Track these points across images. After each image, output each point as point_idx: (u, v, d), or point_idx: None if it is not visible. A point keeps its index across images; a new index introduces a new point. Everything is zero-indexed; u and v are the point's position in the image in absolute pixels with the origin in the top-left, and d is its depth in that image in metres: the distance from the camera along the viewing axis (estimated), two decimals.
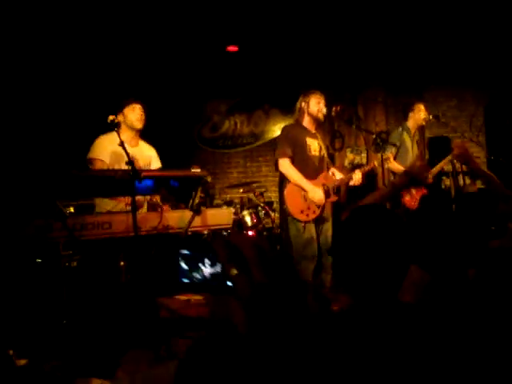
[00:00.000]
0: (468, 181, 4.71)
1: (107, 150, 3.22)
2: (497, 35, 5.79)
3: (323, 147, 3.71)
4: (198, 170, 2.93)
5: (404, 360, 0.96)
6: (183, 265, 2.54)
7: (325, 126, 3.88)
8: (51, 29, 5.23)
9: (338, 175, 3.72)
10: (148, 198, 3.31)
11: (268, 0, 5.20)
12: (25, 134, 5.48)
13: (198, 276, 2.43)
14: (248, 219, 5.06)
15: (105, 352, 2.26)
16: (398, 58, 6.44)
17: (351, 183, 3.61)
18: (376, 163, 3.63)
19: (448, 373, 0.97)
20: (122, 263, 2.79)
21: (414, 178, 3.87)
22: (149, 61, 6.40)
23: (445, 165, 4.35)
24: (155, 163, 3.55)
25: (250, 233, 5.09)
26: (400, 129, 4.42)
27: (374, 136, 3.93)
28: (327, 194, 3.56)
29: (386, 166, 4.24)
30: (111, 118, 2.80)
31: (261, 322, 1.08)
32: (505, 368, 0.97)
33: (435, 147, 5.78)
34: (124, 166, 3.10)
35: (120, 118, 3.29)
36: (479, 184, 4.51)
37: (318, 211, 3.52)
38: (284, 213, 3.64)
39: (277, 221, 5.64)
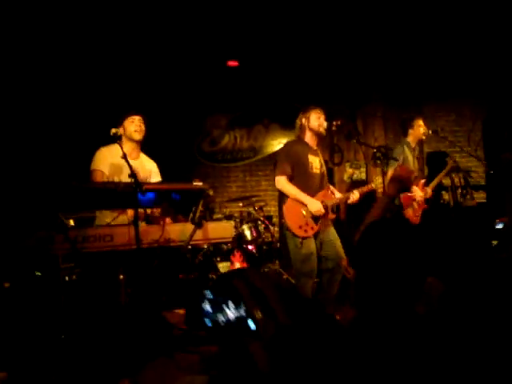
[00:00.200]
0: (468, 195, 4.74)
1: (107, 162, 3.23)
2: (494, 50, 5.87)
3: (323, 164, 3.72)
4: (200, 184, 2.93)
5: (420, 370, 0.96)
6: (207, 307, 2.52)
7: (324, 140, 3.88)
8: (55, 43, 5.29)
9: (337, 194, 3.74)
10: (149, 211, 3.30)
11: (268, 16, 5.28)
12: (27, 145, 5.50)
13: (222, 318, 2.42)
14: (248, 233, 5.05)
15: (102, 367, 2.23)
16: (396, 74, 6.51)
17: (349, 202, 3.62)
18: (373, 185, 3.63)
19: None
20: (121, 277, 2.78)
21: (400, 180, 3.90)
22: (151, 75, 6.47)
23: (442, 178, 4.43)
24: (155, 176, 3.55)
25: (250, 247, 5.08)
26: (402, 145, 4.47)
27: (374, 150, 3.94)
28: (326, 211, 3.55)
29: (386, 181, 4.25)
30: (114, 130, 2.84)
31: (284, 362, 1.08)
32: None
33: (433, 162, 5.80)
34: (123, 178, 3.12)
35: (121, 130, 3.30)
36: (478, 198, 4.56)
37: (316, 227, 3.51)
38: (283, 228, 3.64)
39: (276, 235, 5.63)
